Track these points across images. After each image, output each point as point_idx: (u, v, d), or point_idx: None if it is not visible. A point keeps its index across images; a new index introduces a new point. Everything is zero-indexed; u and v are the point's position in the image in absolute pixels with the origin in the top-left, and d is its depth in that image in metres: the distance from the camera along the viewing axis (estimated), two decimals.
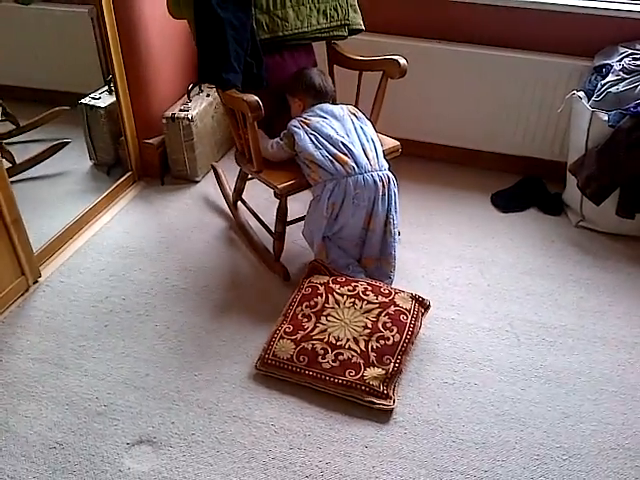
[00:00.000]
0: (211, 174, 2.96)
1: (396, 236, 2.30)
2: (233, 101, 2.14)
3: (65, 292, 2.25)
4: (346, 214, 2.21)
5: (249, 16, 2.21)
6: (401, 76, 2.34)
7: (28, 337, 2.06)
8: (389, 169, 2.25)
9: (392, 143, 2.42)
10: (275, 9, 2.30)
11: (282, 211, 2.32)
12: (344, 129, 2.25)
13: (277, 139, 2.29)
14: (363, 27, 2.53)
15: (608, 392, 1.92)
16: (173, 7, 2.23)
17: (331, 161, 2.16)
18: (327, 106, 2.33)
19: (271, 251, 2.41)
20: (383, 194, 2.21)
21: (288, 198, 2.26)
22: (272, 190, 2.23)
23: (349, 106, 2.37)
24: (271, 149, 2.29)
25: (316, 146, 2.19)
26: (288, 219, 2.33)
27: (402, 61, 2.32)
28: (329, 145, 2.19)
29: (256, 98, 2.04)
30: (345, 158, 2.17)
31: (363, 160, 2.19)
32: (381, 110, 2.45)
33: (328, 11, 2.42)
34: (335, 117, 2.28)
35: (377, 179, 2.20)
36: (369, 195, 2.19)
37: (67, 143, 2.93)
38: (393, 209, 2.26)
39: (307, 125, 2.24)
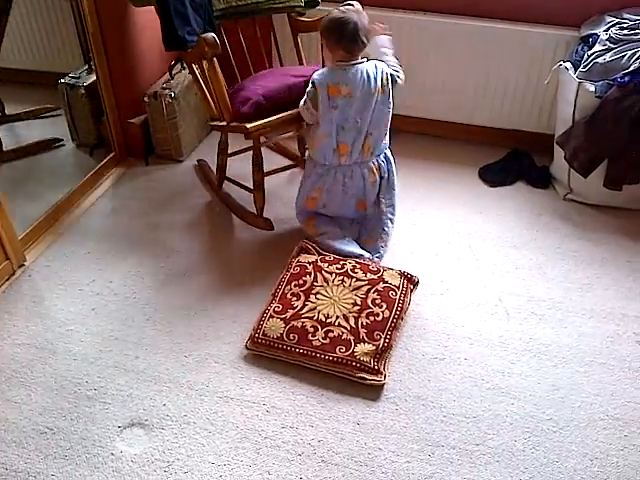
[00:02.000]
0: (195, 153, 2.93)
1: (390, 215, 2.30)
2: (195, 52, 2.22)
3: (51, 276, 2.23)
4: (335, 200, 2.24)
5: None
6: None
7: (15, 322, 2.04)
8: (389, 147, 2.26)
9: None
10: None
11: (257, 158, 2.34)
12: (364, 111, 2.10)
13: (304, 100, 2.14)
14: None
15: (597, 364, 1.93)
16: None
17: (334, 150, 2.15)
18: (364, 72, 2.08)
19: (254, 210, 2.45)
20: (373, 181, 2.22)
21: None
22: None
23: (385, 72, 2.13)
24: (303, 112, 2.17)
25: (331, 127, 2.11)
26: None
27: (357, 5, 2.23)
28: (341, 131, 2.12)
29: (212, 34, 2.12)
30: (346, 148, 2.14)
31: (358, 150, 2.16)
32: None
33: None
34: (363, 92, 2.08)
35: (366, 170, 2.20)
36: (358, 184, 2.21)
37: (60, 140, 2.88)
38: (385, 190, 2.27)
39: (334, 95, 2.07)
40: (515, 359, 1.94)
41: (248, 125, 2.19)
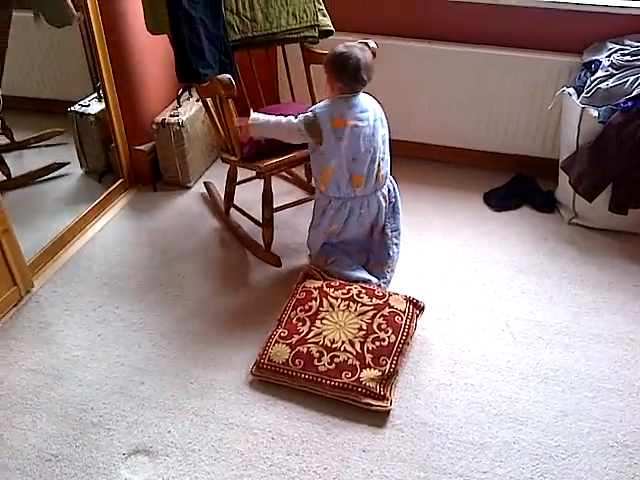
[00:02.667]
0: (204, 179, 2.96)
1: (395, 239, 2.31)
2: (209, 88, 2.23)
3: (58, 302, 2.24)
4: (350, 231, 2.25)
5: (220, 17, 2.33)
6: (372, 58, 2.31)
7: (21, 348, 2.05)
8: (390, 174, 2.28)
9: None
10: (244, 11, 2.40)
11: (267, 194, 2.35)
12: (373, 140, 2.11)
13: (293, 118, 2.12)
14: (332, 29, 2.60)
15: (605, 389, 1.91)
16: (152, 25, 2.33)
17: (347, 182, 2.14)
18: (363, 104, 2.11)
19: (262, 244, 2.45)
20: (386, 207, 2.26)
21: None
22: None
23: (377, 104, 2.18)
24: (283, 124, 2.13)
25: (339, 159, 2.09)
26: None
27: (372, 44, 2.32)
28: (353, 163, 2.11)
29: (229, 76, 2.13)
30: (361, 179, 2.14)
31: (373, 180, 2.17)
32: None
33: (297, 12, 2.51)
34: (370, 120, 2.10)
35: (381, 197, 2.22)
36: (373, 212, 2.23)
37: (66, 164, 2.92)
38: (390, 214, 2.29)
39: (339, 127, 2.06)
40: (522, 384, 1.93)
41: (261, 165, 2.21)
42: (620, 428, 1.79)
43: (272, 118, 2.18)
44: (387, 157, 2.23)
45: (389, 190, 2.27)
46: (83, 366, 1.98)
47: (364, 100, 2.13)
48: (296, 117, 2.11)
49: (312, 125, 2.08)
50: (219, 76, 2.14)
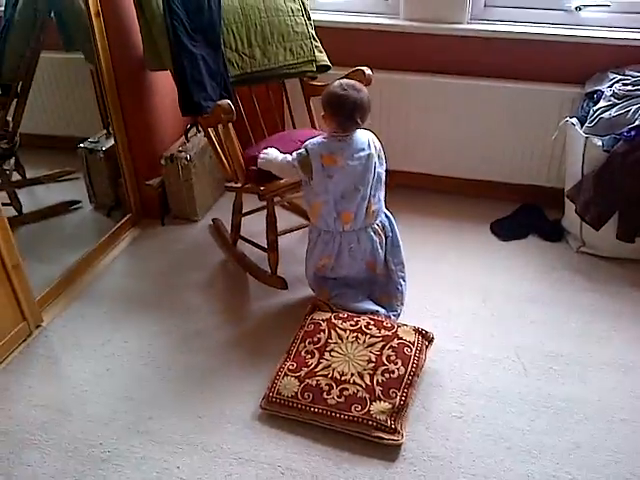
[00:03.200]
0: (210, 213, 2.98)
1: (400, 273, 2.30)
2: (210, 117, 2.29)
3: (67, 336, 2.24)
4: (344, 266, 2.24)
5: (219, 54, 2.41)
6: (367, 84, 2.35)
7: (30, 383, 2.04)
8: (386, 207, 2.27)
9: None
10: (243, 48, 2.49)
11: (271, 218, 2.38)
12: (364, 179, 2.11)
13: (290, 156, 2.16)
14: (330, 64, 2.68)
15: (619, 420, 1.89)
16: (151, 62, 2.46)
17: (335, 218, 2.15)
18: (358, 141, 2.11)
19: (268, 270, 2.48)
20: (380, 242, 2.23)
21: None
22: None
23: (375, 140, 2.18)
24: (281, 161, 2.19)
25: (327, 196, 2.11)
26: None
27: (367, 71, 2.41)
28: (341, 200, 2.11)
29: (228, 101, 2.19)
30: (350, 216, 2.14)
31: (362, 216, 2.16)
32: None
33: (294, 49, 2.59)
34: (362, 158, 2.10)
35: (372, 233, 2.21)
36: (365, 248, 2.21)
37: (77, 202, 2.95)
38: (390, 248, 2.27)
39: (329, 165, 2.07)
40: (534, 416, 1.90)
41: (262, 187, 2.24)
42: (636, 460, 1.76)
43: (279, 157, 2.21)
44: (381, 193, 2.21)
45: (383, 225, 2.25)
46: (91, 401, 1.98)
47: (360, 137, 2.12)
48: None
49: (304, 160, 2.10)
50: (219, 102, 2.20)
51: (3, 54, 2.58)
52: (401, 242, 2.31)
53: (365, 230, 2.20)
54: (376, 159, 2.15)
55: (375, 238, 2.22)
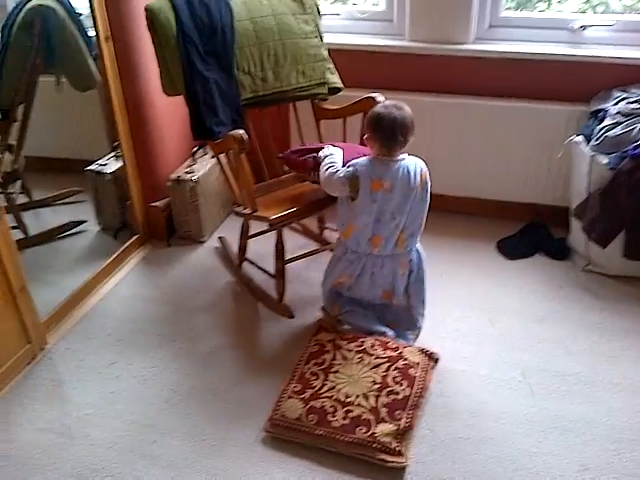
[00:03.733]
0: (217, 233, 2.99)
1: (421, 310, 2.25)
2: (222, 144, 2.29)
3: (71, 359, 2.24)
4: (362, 288, 2.22)
5: (232, 77, 2.40)
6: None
7: (34, 407, 2.04)
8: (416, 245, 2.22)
9: None
10: (255, 71, 2.47)
11: (279, 246, 2.37)
12: (403, 206, 2.08)
13: (341, 171, 2.08)
14: (341, 86, 2.68)
15: (627, 440, 1.85)
16: (168, 87, 2.42)
17: (368, 239, 2.13)
18: (406, 168, 2.06)
19: (274, 296, 2.46)
20: (402, 274, 2.20)
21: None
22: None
23: (424, 171, 2.12)
24: (332, 171, 2.09)
25: (368, 219, 2.08)
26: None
27: (379, 97, 2.40)
28: (377, 224, 2.09)
29: (242, 132, 2.17)
30: (380, 241, 2.12)
31: (392, 243, 2.13)
32: None
33: (306, 71, 2.58)
34: (404, 188, 2.06)
35: (397, 263, 2.17)
36: (387, 276, 2.19)
37: (82, 222, 2.97)
38: (414, 284, 2.23)
39: (377, 190, 2.04)
40: (542, 437, 1.88)
41: (271, 216, 2.23)
42: None
43: (335, 164, 2.12)
44: (415, 227, 2.14)
45: (411, 259, 2.20)
46: (95, 424, 1.97)
47: (408, 165, 2.07)
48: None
49: (353, 180, 2.05)
50: (232, 132, 2.19)
51: (1, 77, 2.59)
52: (427, 280, 2.25)
53: (391, 258, 2.17)
54: (419, 191, 2.08)
55: (399, 269, 2.19)
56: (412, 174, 2.06)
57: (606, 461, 1.79)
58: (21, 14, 2.53)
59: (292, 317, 2.41)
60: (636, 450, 1.82)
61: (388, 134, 2.02)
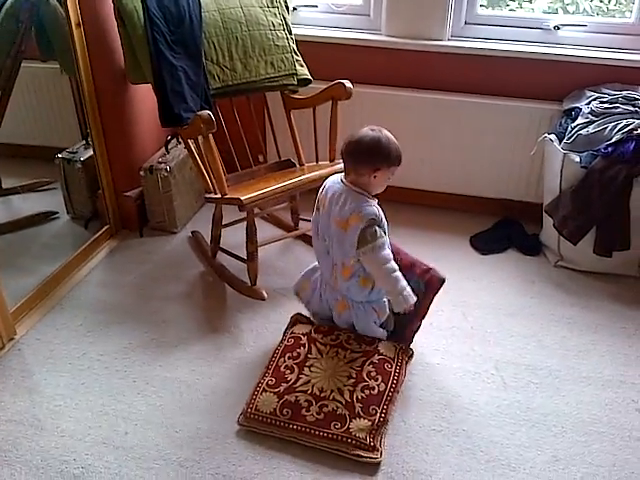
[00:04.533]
0: (190, 225, 2.96)
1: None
2: (190, 128, 2.28)
3: (41, 349, 2.19)
4: (315, 303, 2.19)
5: (201, 67, 2.42)
6: (348, 97, 2.47)
7: (3, 398, 1.99)
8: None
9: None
10: (224, 61, 2.51)
11: (251, 228, 2.37)
12: (328, 230, 2.03)
13: (386, 251, 1.95)
14: (310, 77, 2.71)
15: (597, 433, 1.89)
16: (133, 75, 2.46)
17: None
18: (346, 195, 1.97)
19: (247, 281, 2.47)
20: (339, 314, 2.11)
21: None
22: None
23: (361, 214, 1.93)
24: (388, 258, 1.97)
25: (314, 226, 2.10)
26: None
27: (347, 84, 2.45)
28: (315, 238, 2.11)
29: (208, 112, 2.18)
30: (318, 260, 2.14)
31: (328, 272, 2.08)
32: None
33: (275, 62, 2.62)
34: (329, 211, 2.01)
35: (332, 298, 2.11)
36: (329, 301, 2.13)
37: (54, 213, 2.91)
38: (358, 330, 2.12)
39: (320, 200, 2.06)
40: (514, 429, 1.90)
41: (242, 197, 2.22)
42: (613, 473, 1.77)
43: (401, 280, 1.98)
44: (339, 268, 2.00)
45: (350, 310, 2.07)
46: (65, 416, 1.93)
47: (350, 195, 1.95)
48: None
49: (380, 226, 1.98)
50: (199, 112, 2.20)
51: None
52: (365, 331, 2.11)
53: (330, 288, 2.10)
54: (338, 227, 1.95)
55: (335, 306, 2.10)
56: (343, 206, 1.93)
57: (576, 452, 1.83)
58: (9, 0, 2.49)
59: (264, 299, 2.41)
60: (605, 442, 1.86)
61: (344, 151, 1.97)
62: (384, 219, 1.97)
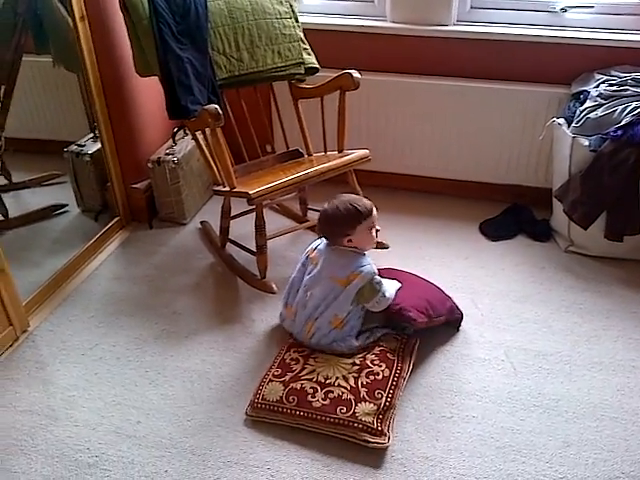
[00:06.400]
0: (199, 216, 2.98)
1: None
2: (198, 121, 2.28)
3: (54, 341, 2.22)
4: (295, 328, 2.17)
5: (207, 58, 2.41)
6: (355, 88, 2.45)
7: (17, 389, 2.02)
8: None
9: (362, 153, 2.46)
10: (231, 51, 2.49)
11: (259, 221, 2.37)
12: (315, 286, 2.11)
13: (388, 292, 2.09)
14: (318, 66, 2.69)
15: (608, 418, 1.89)
16: (141, 67, 2.43)
17: (286, 302, 2.21)
18: (339, 254, 2.11)
19: (257, 273, 2.47)
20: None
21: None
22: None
23: (363, 272, 2.05)
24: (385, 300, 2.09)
25: (297, 274, 2.20)
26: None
27: (355, 74, 2.44)
28: (293, 291, 2.19)
29: (216, 106, 2.18)
30: (290, 313, 2.17)
31: (300, 324, 2.12)
32: (360, 139, 2.49)
33: (282, 51, 2.60)
34: (325, 269, 2.11)
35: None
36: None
37: (64, 206, 2.92)
38: None
39: (311, 258, 2.16)
40: (525, 415, 1.90)
41: (250, 191, 2.22)
42: (625, 458, 1.76)
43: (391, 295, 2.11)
44: (324, 322, 2.05)
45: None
46: (79, 406, 1.96)
47: (342, 254, 2.08)
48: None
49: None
50: (206, 106, 2.19)
51: None
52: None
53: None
54: (338, 285, 2.04)
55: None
56: (342, 266, 2.05)
57: (587, 438, 1.82)
58: None
59: (274, 293, 2.41)
60: (617, 427, 1.86)
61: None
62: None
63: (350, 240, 2.06)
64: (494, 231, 2.82)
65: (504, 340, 2.20)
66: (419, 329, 2.10)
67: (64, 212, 2.93)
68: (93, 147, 2.83)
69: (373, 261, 2.09)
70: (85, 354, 2.16)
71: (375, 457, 1.77)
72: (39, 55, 2.78)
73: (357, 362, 1.97)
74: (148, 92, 2.79)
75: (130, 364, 2.12)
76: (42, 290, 2.39)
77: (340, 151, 2.60)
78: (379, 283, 2.06)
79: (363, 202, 2.08)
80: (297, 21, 2.67)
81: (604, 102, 2.47)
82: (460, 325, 2.25)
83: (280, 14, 2.61)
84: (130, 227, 2.90)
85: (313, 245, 2.19)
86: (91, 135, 2.88)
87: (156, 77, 2.39)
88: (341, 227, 2.06)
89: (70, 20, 2.44)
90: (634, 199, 2.42)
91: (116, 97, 2.67)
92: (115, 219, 2.84)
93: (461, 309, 2.26)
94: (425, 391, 1.99)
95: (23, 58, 2.66)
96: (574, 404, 1.94)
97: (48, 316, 2.34)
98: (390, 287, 2.12)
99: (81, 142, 2.87)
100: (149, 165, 2.81)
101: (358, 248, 2.08)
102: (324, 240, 2.15)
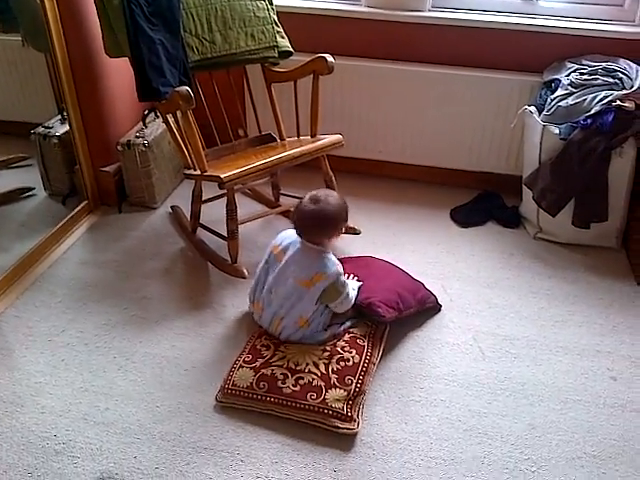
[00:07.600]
0: (169, 200, 2.94)
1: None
2: (169, 103, 2.25)
3: (20, 327, 2.18)
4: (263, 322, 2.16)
5: (179, 39, 2.38)
6: (329, 72, 2.45)
7: None
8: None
9: (334, 138, 2.45)
10: (203, 33, 2.46)
11: (231, 206, 2.35)
12: (279, 284, 2.06)
13: (350, 292, 2.08)
14: (291, 49, 2.67)
15: (572, 401, 1.93)
16: (110, 48, 2.38)
17: (253, 291, 2.17)
18: (307, 253, 2.05)
19: (228, 258, 2.45)
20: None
21: None
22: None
23: (327, 274, 2.00)
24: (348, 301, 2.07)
25: (260, 271, 2.15)
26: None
27: (329, 58, 2.43)
28: (258, 286, 2.14)
29: (187, 88, 2.16)
30: (259, 308, 2.12)
31: (267, 320, 2.09)
32: (334, 124, 2.48)
33: (255, 34, 2.58)
34: (291, 269, 2.06)
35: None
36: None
37: (31, 189, 2.86)
38: None
39: (276, 254, 2.11)
40: (491, 399, 1.94)
41: (222, 175, 2.20)
42: (588, 439, 1.81)
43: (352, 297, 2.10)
44: (290, 321, 2.03)
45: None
46: (46, 392, 1.93)
47: (310, 254, 2.02)
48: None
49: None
50: (177, 89, 2.16)
51: None
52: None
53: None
54: (302, 285, 2.00)
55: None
56: (306, 267, 2.00)
57: (552, 420, 1.86)
58: None
59: (244, 277, 2.40)
60: (580, 409, 1.90)
61: (294, 223, 2.05)
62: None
63: (330, 240, 2.05)
64: (465, 217, 2.84)
65: (473, 325, 2.23)
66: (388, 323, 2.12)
67: (31, 195, 2.87)
68: (61, 129, 2.77)
69: (342, 253, 2.07)
70: (52, 340, 2.13)
71: (345, 441, 1.79)
72: (6, 34, 2.71)
73: (327, 348, 1.98)
74: (118, 73, 2.74)
75: (98, 350, 2.09)
76: (8, 275, 2.35)
77: (313, 136, 2.60)
78: (343, 284, 2.03)
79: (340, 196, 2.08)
80: (271, 4, 2.64)
81: (575, 91, 2.50)
82: (439, 311, 2.28)
83: None
84: (99, 211, 2.85)
85: (277, 241, 2.14)
86: (59, 117, 2.81)
87: (126, 58, 2.35)
88: (329, 230, 2.03)
89: None
90: (602, 187, 2.46)
91: (85, 78, 2.61)
92: (83, 203, 2.80)
93: (435, 296, 2.27)
94: (395, 375, 2.01)
95: None
96: (539, 387, 1.98)
97: (14, 301, 2.30)
98: (354, 286, 2.13)
99: (49, 124, 2.80)
100: (119, 148, 2.76)
101: (327, 247, 2.05)
102: (291, 236, 2.09)
